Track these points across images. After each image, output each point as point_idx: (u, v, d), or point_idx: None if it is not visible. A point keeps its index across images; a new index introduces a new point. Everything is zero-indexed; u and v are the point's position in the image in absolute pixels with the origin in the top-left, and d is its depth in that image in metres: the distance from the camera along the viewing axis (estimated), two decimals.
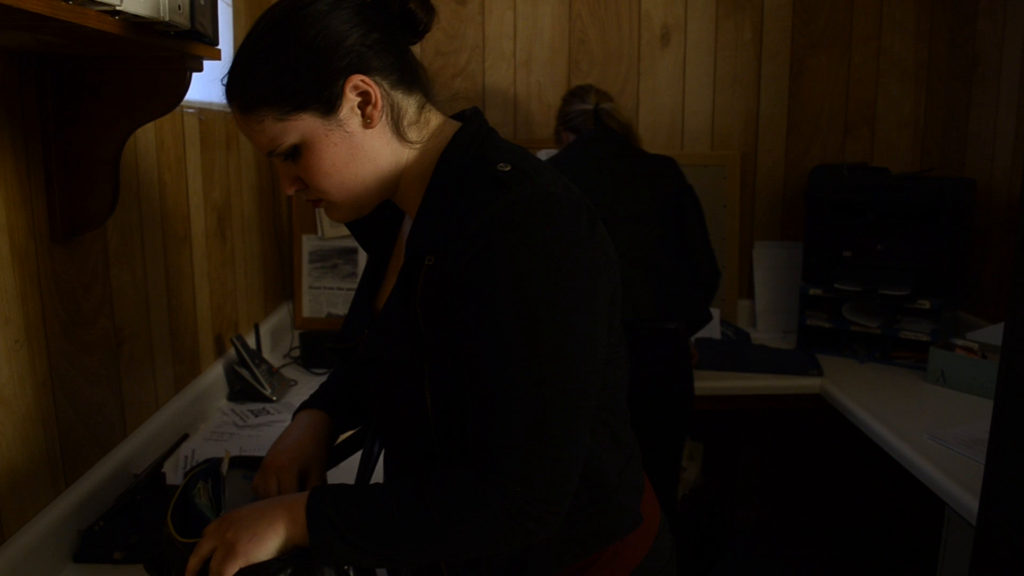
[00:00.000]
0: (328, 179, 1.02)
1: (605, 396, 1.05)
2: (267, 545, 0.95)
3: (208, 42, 1.31)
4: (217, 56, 1.37)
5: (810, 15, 2.95)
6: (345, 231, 2.84)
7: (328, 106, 0.99)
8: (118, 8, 1.00)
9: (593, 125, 2.39)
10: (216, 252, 2.19)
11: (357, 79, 0.99)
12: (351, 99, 1.00)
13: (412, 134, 1.06)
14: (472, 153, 1.03)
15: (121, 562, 1.36)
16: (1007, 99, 2.57)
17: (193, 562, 0.98)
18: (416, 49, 1.10)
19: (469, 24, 2.92)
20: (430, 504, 0.93)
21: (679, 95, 3.01)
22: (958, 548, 1.75)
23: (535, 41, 2.92)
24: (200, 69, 1.37)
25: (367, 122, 1.01)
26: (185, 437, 1.65)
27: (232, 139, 2.34)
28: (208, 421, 2.03)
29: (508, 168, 0.97)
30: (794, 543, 3.05)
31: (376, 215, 1.16)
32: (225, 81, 1.02)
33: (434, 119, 1.09)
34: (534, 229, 0.93)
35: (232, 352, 2.23)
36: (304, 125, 0.99)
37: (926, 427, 2.05)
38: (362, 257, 2.87)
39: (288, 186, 1.06)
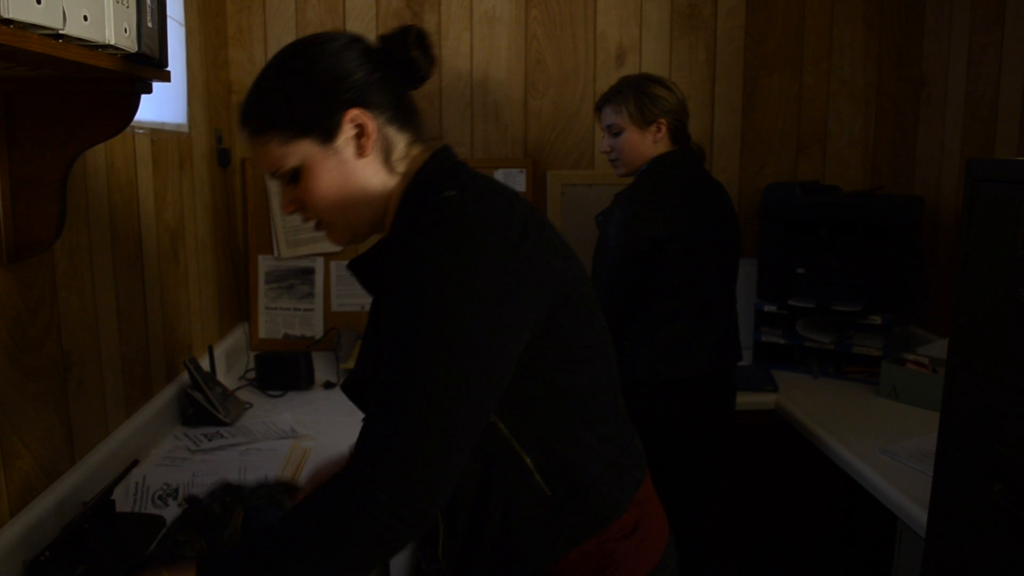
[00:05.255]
0: (323, 201, 1.11)
1: (581, 395, 1.11)
2: None
3: (156, 65, 1.30)
4: (166, 78, 1.36)
5: (762, 36, 3.00)
6: (301, 251, 2.83)
7: (327, 134, 1.09)
8: (61, 32, 0.99)
9: (679, 142, 2.28)
10: (169, 274, 2.17)
11: (355, 112, 1.09)
12: (348, 130, 1.09)
13: (400, 167, 1.15)
14: (433, 183, 1.11)
15: None
16: (953, 118, 2.63)
17: None
18: None
19: None
20: (304, 547, 0.96)
21: None
22: (910, 561, 1.77)
23: (492, 62, 2.94)
24: (149, 91, 1.35)
25: (360, 152, 1.11)
26: (135, 463, 1.62)
27: (185, 159, 2.31)
28: (160, 446, 2.00)
29: (453, 194, 1.05)
30: (749, 557, 3.07)
31: (371, 261, 1.22)
32: (241, 106, 1.13)
33: (417, 154, 1.17)
34: (445, 247, 0.99)
35: (185, 375, 2.20)
36: (304, 150, 1.09)
37: (878, 441, 2.08)
38: (319, 278, 2.85)
39: (287, 206, 1.15)
